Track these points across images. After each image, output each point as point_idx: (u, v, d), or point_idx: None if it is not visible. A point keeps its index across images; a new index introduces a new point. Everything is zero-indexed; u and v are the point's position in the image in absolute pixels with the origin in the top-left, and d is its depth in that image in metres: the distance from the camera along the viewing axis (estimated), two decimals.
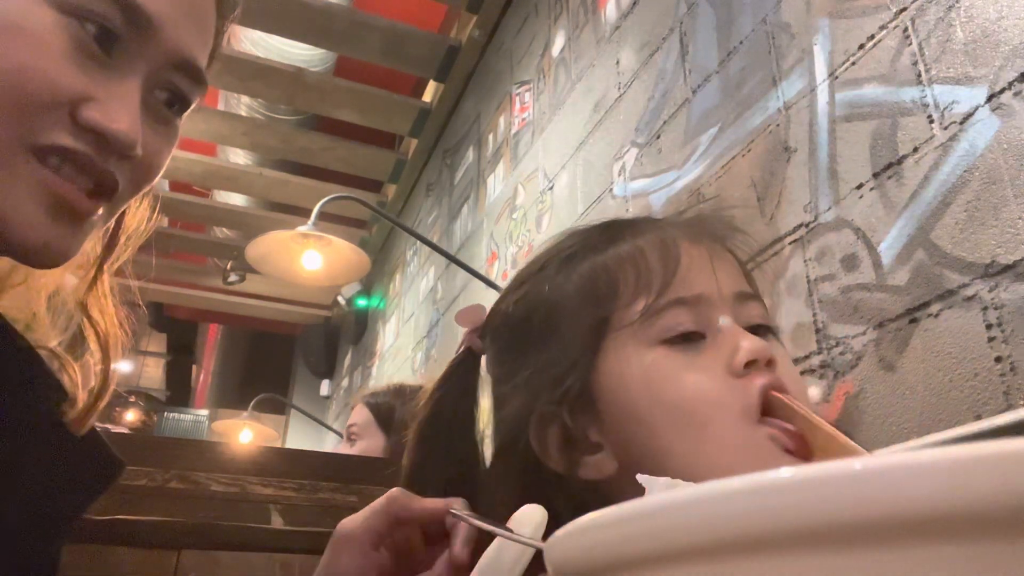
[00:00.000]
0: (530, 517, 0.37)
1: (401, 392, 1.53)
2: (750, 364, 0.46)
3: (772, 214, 1.16)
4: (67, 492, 0.49)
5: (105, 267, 0.54)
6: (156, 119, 0.48)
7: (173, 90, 0.49)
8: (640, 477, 0.31)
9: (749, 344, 0.46)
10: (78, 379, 0.50)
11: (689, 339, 0.48)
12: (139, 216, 0.56)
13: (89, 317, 0.52)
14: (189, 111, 0.51)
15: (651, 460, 0.46)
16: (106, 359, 0.52)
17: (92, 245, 0.53)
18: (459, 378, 0.56)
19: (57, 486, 0.48)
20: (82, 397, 0.49)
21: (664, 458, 0.46)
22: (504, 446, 0.50)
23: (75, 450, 0.49)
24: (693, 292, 0.48)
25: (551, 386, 0.49)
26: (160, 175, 0.50)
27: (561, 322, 0.51)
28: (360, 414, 1.58)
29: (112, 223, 0.53)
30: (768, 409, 0.46)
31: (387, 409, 1.48)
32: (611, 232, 0.54)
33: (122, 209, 0.50)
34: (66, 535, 0.49)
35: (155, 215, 0.57)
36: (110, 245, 0.54)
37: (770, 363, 0.47)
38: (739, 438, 0.45)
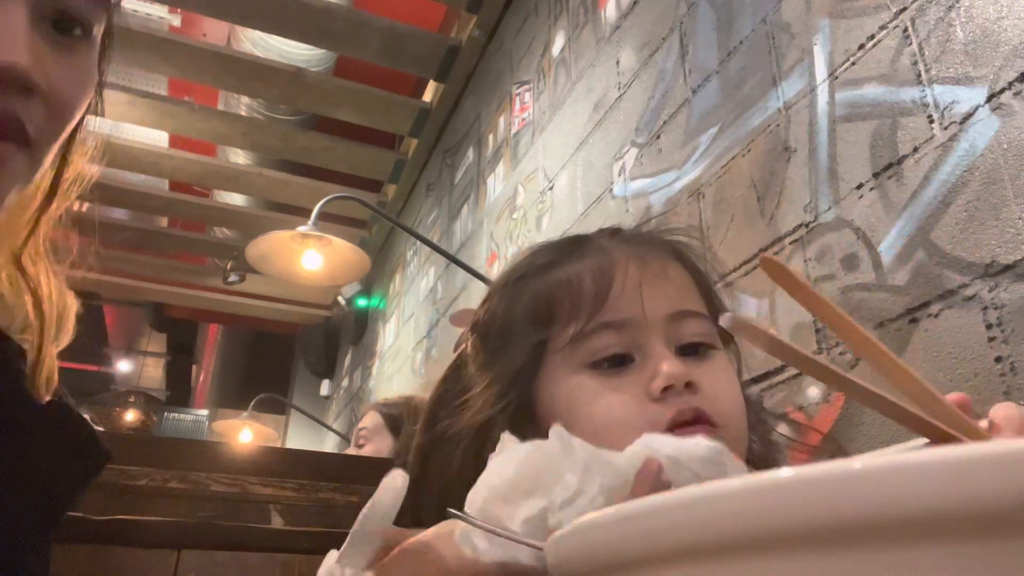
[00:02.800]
0: (392, 482, 0.38)
1: (412, 403, 1.55)
2: (668, 389, 0.47)
3: (772, 214, 1.16)
4: (57, 477, 0.46)
5: (43, 220, 0.49)
6: (56, 47, 0.43)
7: (68, 11, 0.44)
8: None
9: (667, 369, 0.48)
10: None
11: (618, 362, 0.50)
12: (79, 166, 0.51)
13: (23, 271, 0.48)
14: (98, 35, 0.46)
15: None
16: (40, 319, 0.47)
17: (29, 197, 0.48)
18: (457, 379, 0.58)
19: (48, 472, 0.45)
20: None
21: None
22: (461, 451, 0.52)
23: (58, 433, 0.46)
24: (620, 316, 0.50)
25: (494, 400, 0.52)
26: (81, 111, 0.45)
27: (509, 340, 0.53)
28: (371, 419, 1.60)
29: (51, 173, 0.48)
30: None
31: (398, 416, 1.50)
32: (560, 254, 0.56)
33: (52, 154, 0.46)
34: (56, 525, 0.46)
35: (100, 160, 0.52)
36: (48, 197, 0.50)
37: (690, 386, 0.48)
38: None
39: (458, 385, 0.56)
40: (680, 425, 0.47)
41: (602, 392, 0.49)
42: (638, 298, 0.50)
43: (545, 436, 0.49)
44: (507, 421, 0.51)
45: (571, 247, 0.56)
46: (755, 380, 1.08)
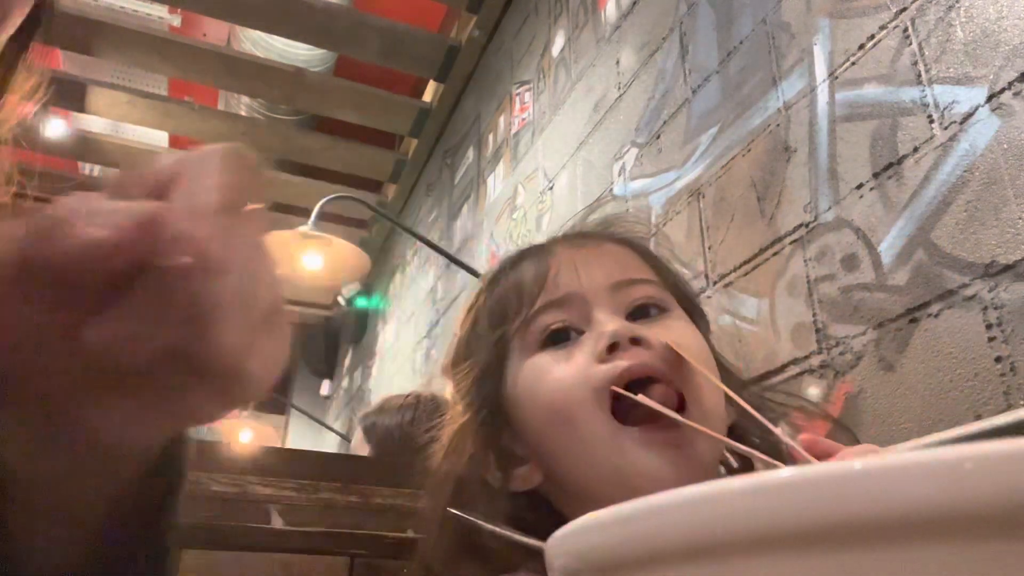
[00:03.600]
0: None
1: (381, 407, 1.55)
2: (614, 348, 0.47)
3: (772, 214, 1.16)
4: None
5: None
6: None
7: None
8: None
9: (610, 328, 0.47)
10: None
11: (565, 337, 0.50)
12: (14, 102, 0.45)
13: None
14: None
15: (556, 466, 0.48)
16: None
17: None
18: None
19: None
20: None
21: (560, 463, 0.48)
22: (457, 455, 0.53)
23: None
24: (560, 293, 0.51)
25: (478, 405, 0.53)
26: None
27: (473, 351, 0.55)
28: (356, 435, 1.60)
29: None
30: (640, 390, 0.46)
31: (371, 425, 1.50)
32: (506, 265, 0.58)
33: None
34: None
35: (38, 100, 0.47)
36: None
37: (638, 342, 0.47)
38: (605, 442, 0.45)
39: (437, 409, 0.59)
40: (633, 384, 0.46)
41: (553, 365, 0.49)
42: (575, 274, 0.52)
43: (520, 433, 0.50)
44: (483, 430, 0.51)
45: (521, 254, 0.58)
46: (755, 380, 1.08)
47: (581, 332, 0.50)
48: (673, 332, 0.49)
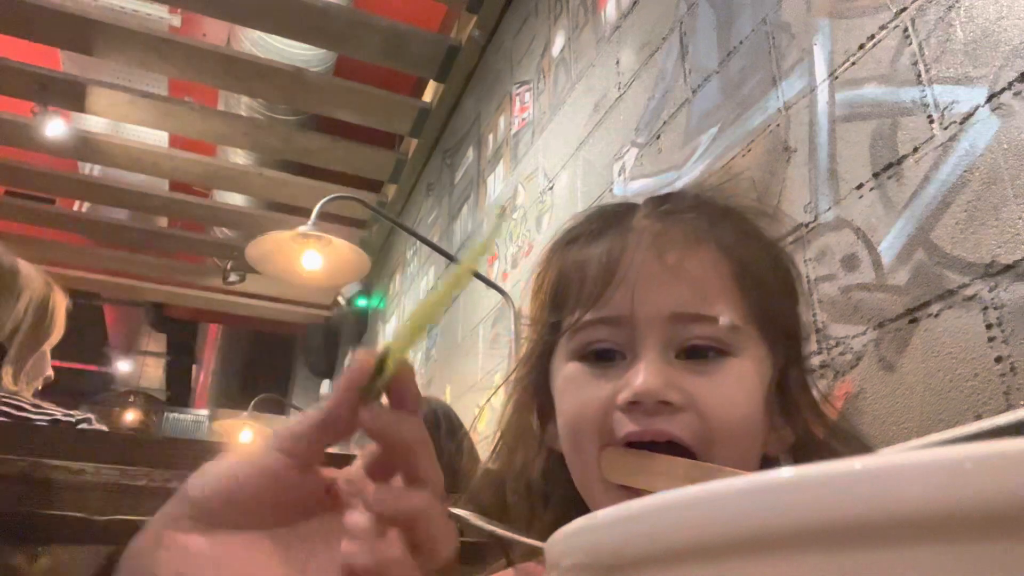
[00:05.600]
0: None
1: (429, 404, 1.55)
2: (636, 404, 0.44)
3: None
4: None
5: None
6: None
7: None
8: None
9: (640, 383, 0.44)
10: None
11: (607, 356, 0.48)
12: None
13: None
14: None
15: (567, 456, 0.50)
16: None
17: None
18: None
19: None
20: None
21: (568, 458, 0.50)
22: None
23: None
24: (615, 312, 0.47)
25: (530, 365, 0.54)
26: None
27: (537, 313, 0.54)
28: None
29: None
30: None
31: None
32: (588, 227, 0.54)
33: None
34: None
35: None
36: None
37: (667, 404, 0.44)
38: (595, 480, 0.46)
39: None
40: (639, 443, 0.44)
41: (583, 385, 0.48)
42: (638, 292, 0.47)
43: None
44: (529, 396, 0.54)
45: (604, 220, 0.53)
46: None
47: (625, 356, 0.47)
48: (719, 388, 0.45)
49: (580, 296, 0.49)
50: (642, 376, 0.44)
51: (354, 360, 0.31)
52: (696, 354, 0.46)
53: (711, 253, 0.49)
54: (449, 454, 1.36)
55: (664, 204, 0.53)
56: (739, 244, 0.50)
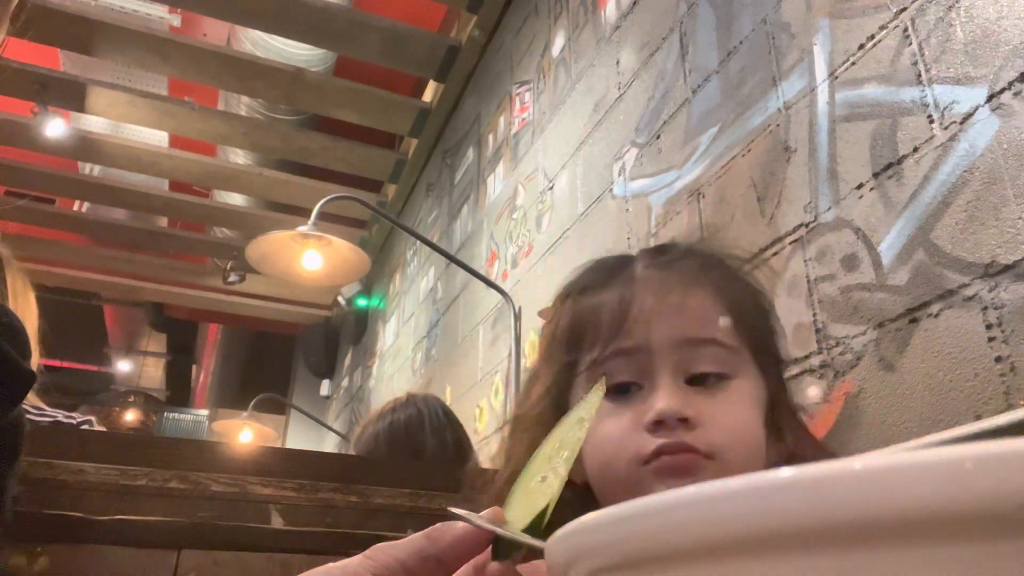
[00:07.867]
0: None
1: (368, 420, 1.54)
2: (659, 423, 0.50)
3: (772, 214, 1.16)
4: None
5: None
6: None
7: None
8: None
9: (660, 405, 0.50)
10: None
11: (624, 390, 0.53)
12: None
13: None
14: None
15: (594, 485, 0.54)
16: None
17: None
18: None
19: None
20: None
21: (596, 484, 0.53)
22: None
23: None
24: (631, 343, 0.53)
25: (541, 401, 0.58)
26: None
27: (552, 354, 0.59)
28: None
29: None
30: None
31: (357, 439, 1.50)
32: (597, 277, 0.60)
33: None
34: None
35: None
36: None
37: (685, 421, 0.50)
38: (629, 474, 0.51)
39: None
40: (667, 453, 0.49)
41: (606, 416, 0.53)
42: (649, 325, 0.54)
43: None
44: (545, 432, 0.55)
45: (608, 272, 0.60)
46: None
47: (641, 386, 0.53)
48: (723, 415, 0.51)
49: (598, 334, 0.55)
50: (661, 399, 0.51)
51: (491, 513, 0.33)
52: (700, 380, 0.53)
53: (706, 292, 0.57)
54: (432, 448, 1.38)
55: (660, 256, 0.60)
56: (728, 285, 0.59)
